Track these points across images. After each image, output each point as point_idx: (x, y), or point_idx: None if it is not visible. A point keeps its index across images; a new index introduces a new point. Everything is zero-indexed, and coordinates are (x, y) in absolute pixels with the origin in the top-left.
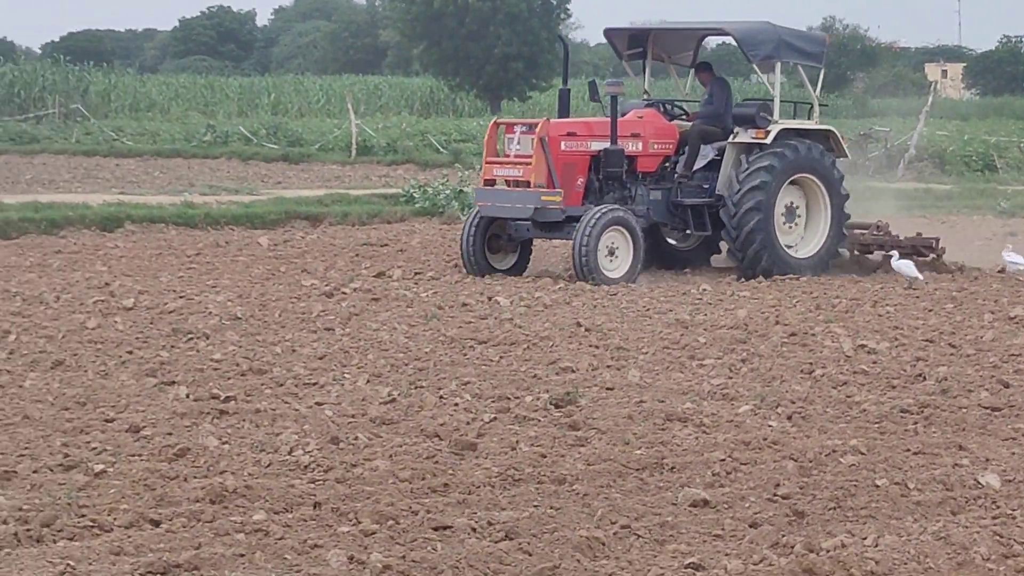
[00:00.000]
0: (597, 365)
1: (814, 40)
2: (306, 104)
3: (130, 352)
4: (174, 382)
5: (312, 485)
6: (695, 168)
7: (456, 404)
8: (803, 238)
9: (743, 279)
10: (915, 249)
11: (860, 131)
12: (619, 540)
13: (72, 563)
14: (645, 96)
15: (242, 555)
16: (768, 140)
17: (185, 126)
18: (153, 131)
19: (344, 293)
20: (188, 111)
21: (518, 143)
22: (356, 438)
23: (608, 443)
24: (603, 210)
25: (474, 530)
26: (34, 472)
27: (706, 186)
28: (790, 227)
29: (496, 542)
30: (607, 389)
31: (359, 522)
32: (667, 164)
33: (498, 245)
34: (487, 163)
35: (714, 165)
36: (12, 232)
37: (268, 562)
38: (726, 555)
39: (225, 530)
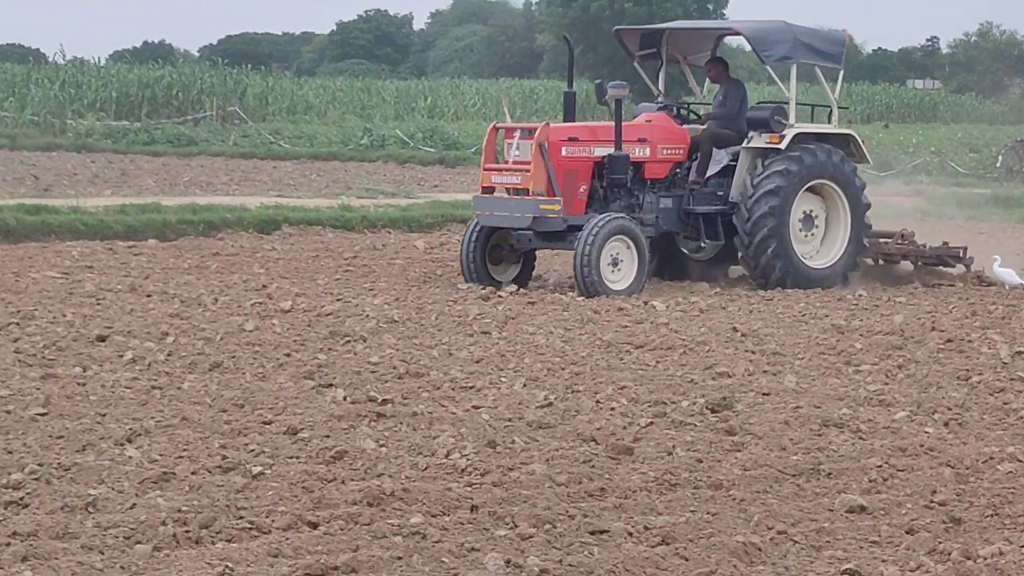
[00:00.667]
0: (753, 370)
1: (832, 39)
2: (462, 108)
3: (288, 355)
4: (331, 384)
5: (469, 488)
6: (708, 174)
7: (612, 408)
8: (821, 247)
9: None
10: (940, 259)
11: (1018, 137)
12: (775, 546)
13: (230, 565)
14: (658, 99)
15: (399, 558)
16: (783, 145)
17: (342, 129)
18: (310, 134)
19: (500, 296)
20: (345, 114)
21: (517, 149)
22: (513, 442)
23: (764, 448)
24: (606, 219)
25: (630, 534)
26: (193, 474)
27: (720, 193)
28: (807, 236)
29: (652, 547)
30: (763, 394)
31: (516, 526)
32: (678, 170)
33: (500, 255)
34: (485, 170)
35: (728, 171)
36: (170, 234)
37: (425, 565)
38: (883, 561)
39: (382, 533)
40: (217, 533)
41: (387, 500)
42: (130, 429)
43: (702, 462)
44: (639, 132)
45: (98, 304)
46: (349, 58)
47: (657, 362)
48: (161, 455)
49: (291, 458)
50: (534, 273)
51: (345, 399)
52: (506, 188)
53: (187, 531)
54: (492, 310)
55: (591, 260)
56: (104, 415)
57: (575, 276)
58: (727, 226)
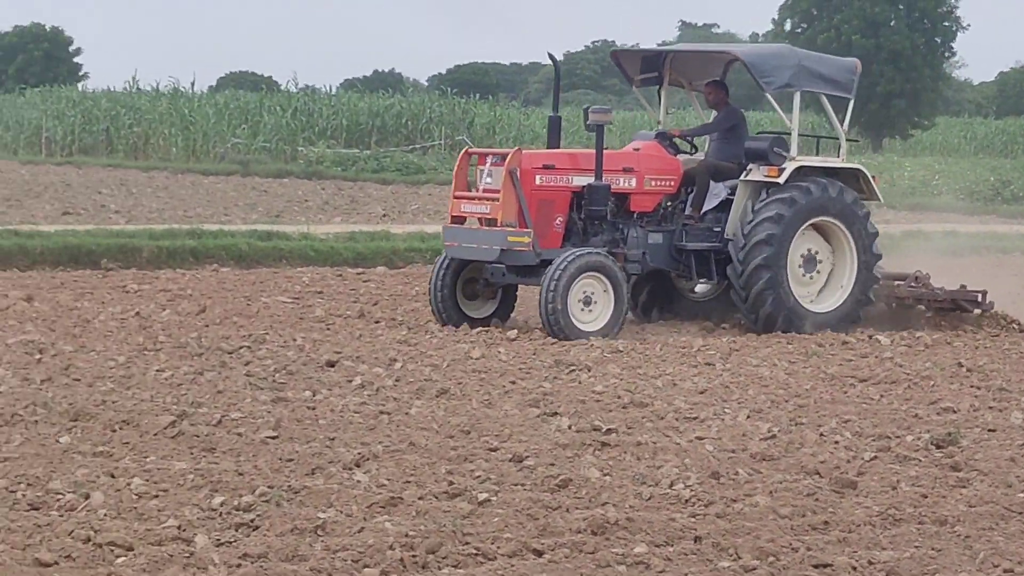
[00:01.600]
0: (979, 406)
1: (842, 67)
2: None
3: (513, 382)
4: (556, 413)
5: (693, 519)
6: (705, 209)
7: (836, 442)
8: (825, 289)
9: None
10: (956, 304)
11: None
12: None
13: None
14: (660, 127)
15: None
16: (781, 179)
17: None
18: None
19: (724, 328)
20: (571, 144)
21: (488, 176)
22: (736, 473)
23: (990, 485)
24: (576, 253)
25: (854, 568)
26: (420, 499)
27: (717, 229)
28: (809, 277)
29: None
30: (989, 430)
31: (739, 557)
32: (669, 204)
33: (474, 291)
34: (455, 198)
35: (726, 206)
36: (398, 261)
37: None
38: None
39: (606, 562)
40: (443, 559)
41: (611, 529)
42: (358, 453)
43: (927, 497)
44: (624, 161)
45: (327, 329)
46: (576, 88)
47: (881, 396)
48: (389, 480)
49: (516, 485)
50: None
51: (570, 427)
52: (477, 218)
53: (414, 556)
54: (716, 341)
55: (557, 298)
56: (333, 439)
57: (540, 315)
58: (721, 264)
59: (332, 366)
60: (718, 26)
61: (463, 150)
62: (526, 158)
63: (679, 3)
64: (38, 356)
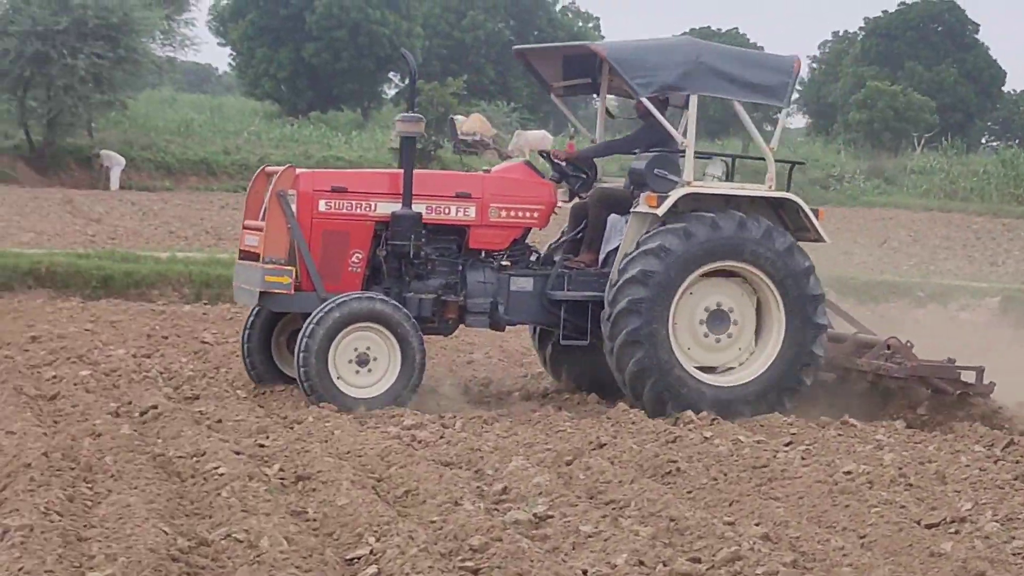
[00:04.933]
0: None
1: (771, 67)
2: None
3: None
4: None
5: None
6: (607, 250)
7: None
8: (745, 356)
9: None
10: (925, 381)
11: None
12: None
13: None
14: (576, 139)
15: None
16: (660, 210)
17: None
18: None
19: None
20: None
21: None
22: None
23: None
24: (342, 299)
25: None
26: None
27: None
28: (716, 340)
29: None
30: None
31: None
32: (556, 243)
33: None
34: (244, 227)
35: None
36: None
37: None
38: None
39: None
40: None
41: None
42: None
43: None
44: (459, 185)
45: None
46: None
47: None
48: None
49: None
50: None
51: None
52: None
53: None
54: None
55: (311, 357)
56: None
57: (297, 375)
58: (597, 320)
59: None
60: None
61: (261, 168)
62: (305, 178)
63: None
64: None
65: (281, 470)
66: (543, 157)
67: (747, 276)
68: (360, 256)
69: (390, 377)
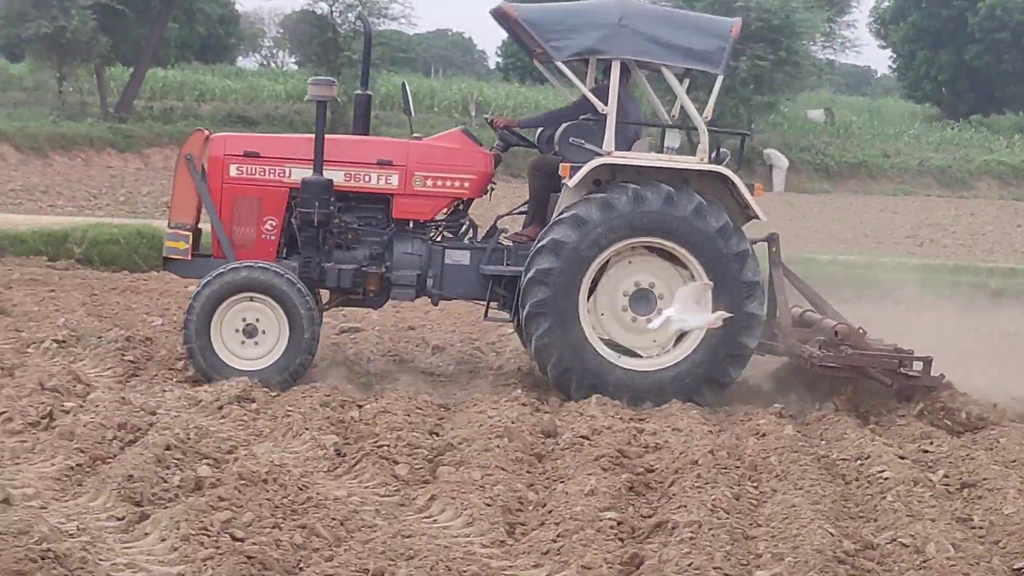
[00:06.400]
0: None
1: (706, 30)
2: None
3: None
4: None
5: None
6: (550, 220)
7: None
8: (670, 339)
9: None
10: (861, 372)
11: None
12: None
13: None
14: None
15: None
16: (572, 181)
17: None
18: None
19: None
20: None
21: None
22: None
23: None
24: (227, 268)
25: None
26: None
27: None
28: (634, 320)
29: None
30: None
31: None
32: (462, 211)
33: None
34: None
35: None
36: None
37: None
38: None
39: None
40: None
41: None
42: None
43: None
44: (380, 152)
45: None
46: None
47: None
48: None
49: None
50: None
51: None
52: None
53: None
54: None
55: (192, 326)
56: None
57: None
58: None
59: None
60: None
61: (193, 131)
62: (217, 142)
63: None
64: None
65: (946, 476)
66: (488, 124)
67: (679, 256)
68: (274, 224)
69: (278, 350)
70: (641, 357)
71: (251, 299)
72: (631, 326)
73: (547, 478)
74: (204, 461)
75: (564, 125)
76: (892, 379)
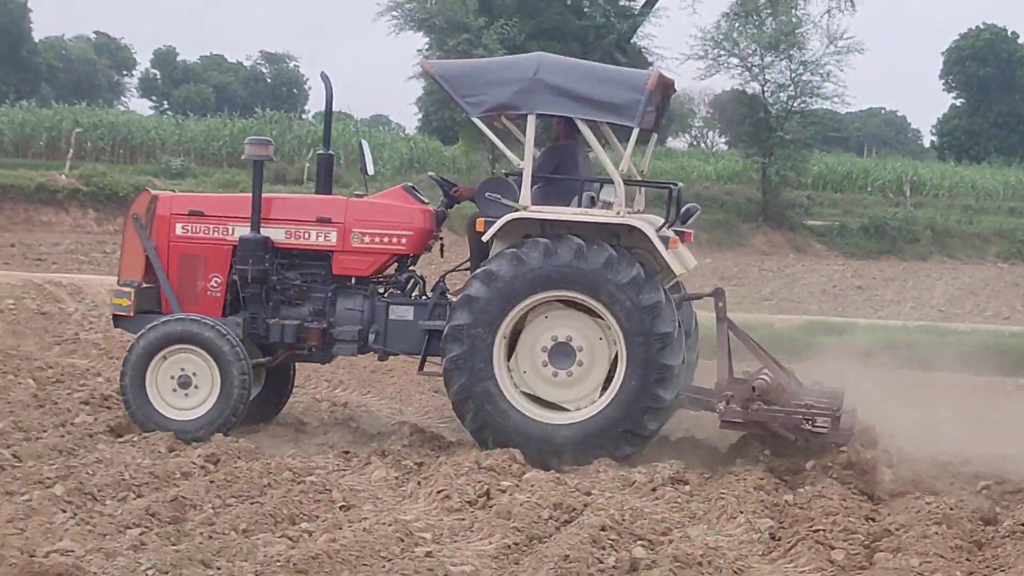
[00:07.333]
0: None
1: (617, 83)
2: None
3: None
4: None
5: None
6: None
7: None
8: (597, 396)
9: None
10: (766, 428)
11: None
12: None
13: None
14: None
15: None
16: (485, 236)
17: None
18: None
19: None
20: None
21: None
22: None
23: None
24: (160, 321)
25: None
26: None
27: None
28: (558, 375)
29: None
30: None
31: None
32: (410, 267)
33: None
34: None
35: None
36: None
37: None
38: None
39: None
40: None
41: None
42: None
43: None
44: (320, 210)
45: None
46: None
47: None
48: None
49: None
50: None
51: None
52: None
53: None
54: None
55: (128, 377)
56: None
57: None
58: None
59: None
60: None
61: (140, 191)
62: (163, 202)
63: None
64: None
65: None
66: (435, 182)
67: (594, 308)
68: (219, 280)
69: (209, 402)
70: (569, 411)
71: (186, 351)
72: (554, 380)
73: (987, 567)
74: (639, 542)
75: (482, 180)
76: (796, 435)
